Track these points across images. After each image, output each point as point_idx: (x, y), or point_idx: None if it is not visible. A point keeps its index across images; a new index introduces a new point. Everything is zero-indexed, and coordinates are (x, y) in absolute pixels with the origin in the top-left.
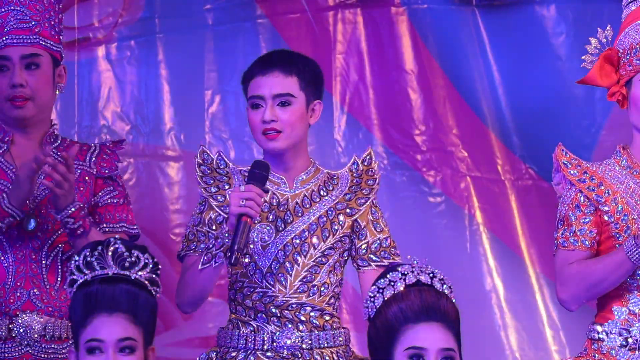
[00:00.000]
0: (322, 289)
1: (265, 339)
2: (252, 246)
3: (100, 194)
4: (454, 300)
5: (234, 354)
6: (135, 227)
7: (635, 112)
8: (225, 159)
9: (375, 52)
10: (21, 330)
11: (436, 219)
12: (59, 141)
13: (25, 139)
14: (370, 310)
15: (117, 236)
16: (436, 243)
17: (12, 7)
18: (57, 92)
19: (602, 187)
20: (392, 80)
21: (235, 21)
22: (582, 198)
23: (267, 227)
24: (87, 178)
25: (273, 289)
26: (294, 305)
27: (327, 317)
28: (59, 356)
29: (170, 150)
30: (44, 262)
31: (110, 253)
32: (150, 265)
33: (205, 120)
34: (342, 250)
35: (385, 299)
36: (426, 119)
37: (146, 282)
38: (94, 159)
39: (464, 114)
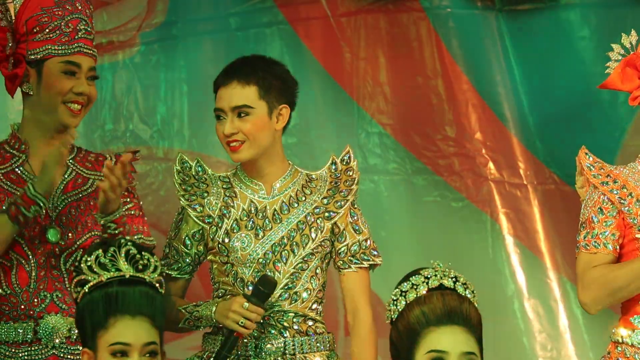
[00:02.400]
0: (304, 295)
1: (250, 344)
2: (232, 254)
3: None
4: (477, 305)
5: None
6: (151, 238)
7: None
8: (204, 166)
9: (397, 56)
10: (47, 333)
11: (458, 224)
12: (75, 151)
13: (45, 148)
14: (392, 313)
15: (127, 237)
16: (458, 248)
17: (80, 16)
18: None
19: (625, 190)
20: (415, 85)
21: (257, 26)
22: (605, 201)
23: (246, 236)
24: None
25: None
26: (277, 312)
27: (310, 323)
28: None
29: (192, 154)
30: (63, 267)
31: (123, 254)
32: (159, 268)
33: None
34: (323, 254)
35: (408, 302)
36: (449, 123)
37: (157, 285)
38: None
39: (486, 118)
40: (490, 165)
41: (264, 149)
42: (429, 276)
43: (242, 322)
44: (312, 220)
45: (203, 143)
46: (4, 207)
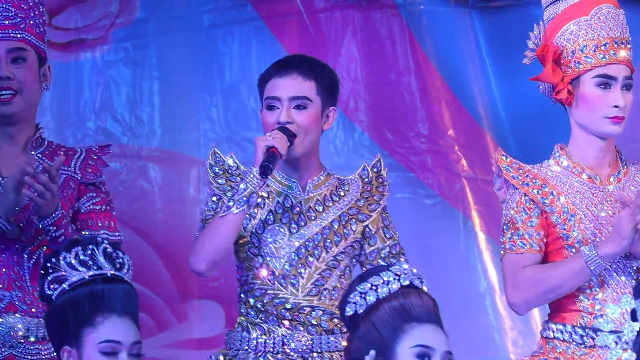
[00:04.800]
0: (333, 292)
1: (276, 341)
2: (264, 246)
3: (82, 200)
4: None
5: (243, 356)
6: (117, 234)
7: (585, 110)
8: (237, 162)
9: (371, 53)
10: (4, 332)
11: (431, 221)
12: (45, 145)
13: (8, 145)
14: (358, 306)
15: (102, 233)
16: (431, 244)
17: None
18: (42, 91)
19: (546, 189)
20: (388, 82)
21: (230, 24)
22: (527, 201)
23: (281, 229)
24: (71, 184)
25: (285, 291)
26: (305, 309)
27: (336, 321)
28: (43, 357)
29: (164, 152)
30: (26, 264)
31: (101, 252)
32: (131, 267)
33: (199, 122)
34: (353, 255)
35: (382, 297)
36: (422, 120)
37: (130, 283)
38: (79, 164)
39: (460, 115)
40: (463, 162)
41: (312, 146)
42: (399, 273)
43: (270, 135)
44: (346, 220)
45: (175, 141)
46: None
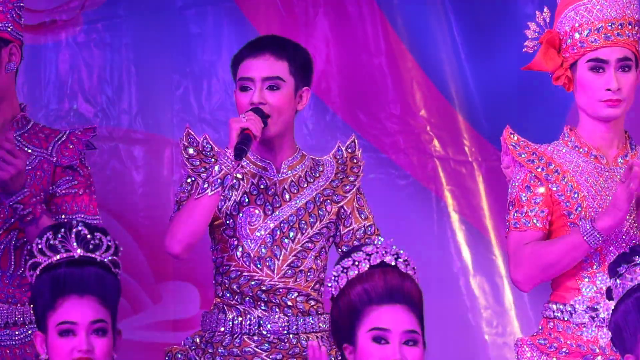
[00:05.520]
0: (309, 274)
1: (252, 322)
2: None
3: (58, 182)
4: (417, 282)
5: (219, 338)
6: (96, 217)
7: (582, 94)
8: (211, 143)
9: (343, 35)
10: None
11: (404, 201)
12: (29, 126)
13: None
14: (334, 290)
15: (78, 218)
16: (404, 225)
17: None
18: (6, 72)
19: (552, 167)
20: (360, 64)
21: (202, 4)
22: (532, 178)
23: (256, 211)
24: (45, 166)
25: (261, 273)
26: (281, 290)
27: (312, 302)
28: (15, 342)
29: (137, 133)
30: None
31: (74, 235)
32: (113, 248)
33: (172, 103)
34: (328, 236)
35: (349, 279)
36: (394, 101)
37: (110, 265)
38: (57, 147)
39: (431, 96)
40: (435, 142)
41: (286, 126)
42: (370, 253)
43: (244, 117)
44: (321, 201)
45: (148, 122)
46: None
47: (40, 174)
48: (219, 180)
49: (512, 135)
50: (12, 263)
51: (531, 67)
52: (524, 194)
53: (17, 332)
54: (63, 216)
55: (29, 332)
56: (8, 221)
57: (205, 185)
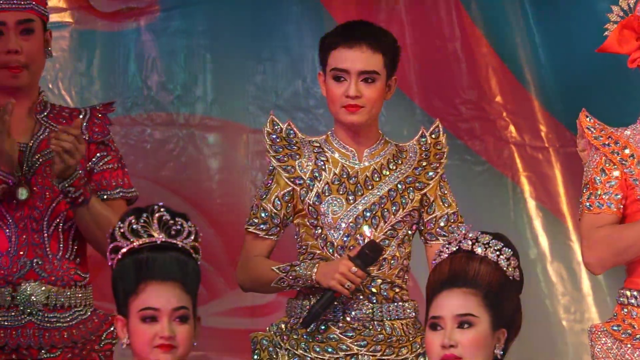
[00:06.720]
0: (392, 262)
1: (337, 309)
2: (322, 217)
3: (94, 160)
4: (503, 263)
5: None
6: (132, 190)
7: None
8: (295, 129)
9: (417, 20)
10: (24, 299)
11: (479, 188)
12: (49, 108)
13: (14, 108)
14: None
15: (160, 203)
16: (480, 212)
17: None
18: (46, 58)
19: (627, 151)
20: (434, 49)
21: None
22: (607, 162)
23: (338, 200)
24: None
25: None
26: (365, 279)
27: (397, 289)
28: (62, 325)
29: (213, 120)
30: (45, 231)
31: (156, 220)
32: (194, 234)
33: (247, 90)
34: (411, 224)
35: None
36: (469, 87)
37: (191, 250)
38: (85, 124)
39: (507, 81)
40: (511, 128)
41: (374, 117)
42: (450, 242)
43: (348, 285)
44: (403, 188)
45: (225, 109)
46: None
47: None
48: (291, 281)
49: (587, 118)
50: (61, 246)
51: (605, 49)
52: (598, 177)
53: (65, 315)
54: (102, 192)
55: (76, 315)
56: (53, 202)
57: (282, 274)
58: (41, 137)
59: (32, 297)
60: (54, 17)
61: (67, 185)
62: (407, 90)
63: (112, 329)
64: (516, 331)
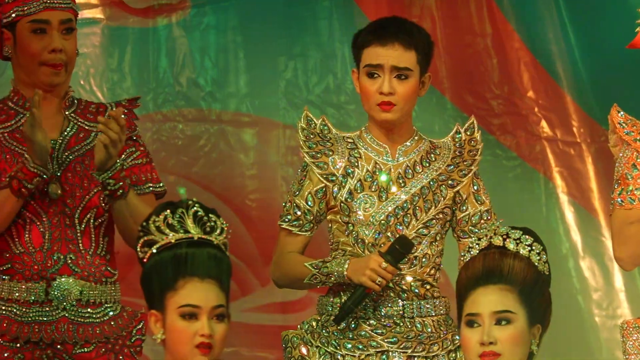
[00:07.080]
0: (424, 260)
1: (367, 306)
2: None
3: (123, 156)
4: (535, 258)
5: None
6: (161, 184)
7: None
8: (329, 125)
9: (449, 16)
10: (58, 294)
11: (511, 183)
12: (75, 104)
13: (43, 105)
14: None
15: (194, 199)
16: (511, 207)
17: None
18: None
19: None
20: (466, 44)
21: None
22: (638, 157)
23: (370, 197)
24: None
25: None
26: (395, 276)
27: (428, 287)
28: (95, 321)
29: (245, 116)
30: (78, 227)
31: (191, 216)
32: (225, 230)
33: (279, 86)
34: (444, 222)
35: (463, 265)
36: (500, 82)
37: (223, 247)
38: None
39: (539, 76)
40: (543, 123)
41: (408, 114)
42: (480, 237)
43: (379, 281)
44: (436, 186)
45: (257, 105)
46: (6, 180)
47: None
48: (324, 278)
49: (619, 114)
50: (93, 242)
51: (635, 45)
52: (629, 173)
53: (97, 311)
54: (133, 187)
55: (107, 311)
56: (83, 200)
57: (315, 271)
58: (70, 133)
59: (67, 292)
60: (85, 14)
61: (107, 177)
62: (439, 86)
63: (141, 325)
64: (547, 326)
